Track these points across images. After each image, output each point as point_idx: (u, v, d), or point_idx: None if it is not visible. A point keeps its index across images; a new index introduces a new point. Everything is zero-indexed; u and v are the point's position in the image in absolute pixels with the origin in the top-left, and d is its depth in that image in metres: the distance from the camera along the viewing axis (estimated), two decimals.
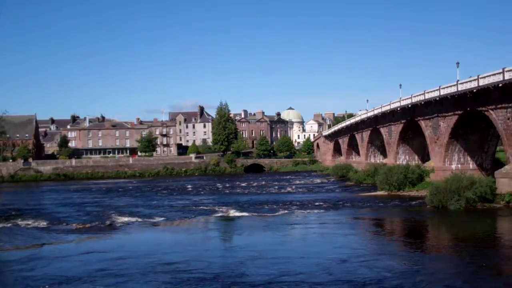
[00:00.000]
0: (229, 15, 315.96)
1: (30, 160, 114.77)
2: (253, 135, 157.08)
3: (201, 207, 46.19)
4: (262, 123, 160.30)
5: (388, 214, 39.80)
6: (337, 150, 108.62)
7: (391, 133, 66.15)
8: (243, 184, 76.64)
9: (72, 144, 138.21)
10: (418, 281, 19.35)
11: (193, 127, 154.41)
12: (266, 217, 39.17)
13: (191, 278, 20.49)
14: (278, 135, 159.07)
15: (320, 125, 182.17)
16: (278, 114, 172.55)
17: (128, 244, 29.18)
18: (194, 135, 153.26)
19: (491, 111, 41.33)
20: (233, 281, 19.92)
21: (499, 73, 39.02)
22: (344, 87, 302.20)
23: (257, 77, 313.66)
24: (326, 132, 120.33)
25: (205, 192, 65.84)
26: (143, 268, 22.49)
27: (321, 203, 46.36)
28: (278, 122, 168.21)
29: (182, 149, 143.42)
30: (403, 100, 60.02)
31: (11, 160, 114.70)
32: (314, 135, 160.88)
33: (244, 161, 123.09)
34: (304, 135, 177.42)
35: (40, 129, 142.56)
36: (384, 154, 72.91)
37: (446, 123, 49.29)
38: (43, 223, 38.15)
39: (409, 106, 57.10)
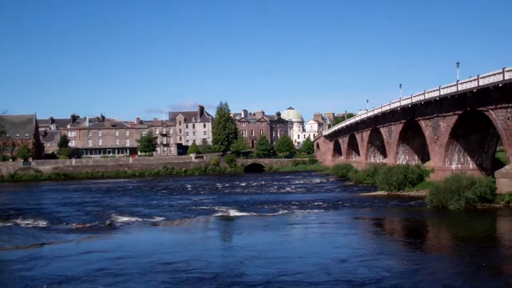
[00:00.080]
0: (229, 15, 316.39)
1: (30, 159, 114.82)
2: (253, 135, 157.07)
3: (201, 207, 46.19)
4: (262, 123, 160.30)
5: (388, 214, 39.80)
6: (337, 150, 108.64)
7: (391, 133, 66.15)
8: (243, 184, 76.64)
9: (72, 144, 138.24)
10: (417, 281, 19.34)
11: (193, 127, 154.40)
12: (266, 217, 39.17)
13: (191, 278, 20.49)
14: (278, 135, 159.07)
15: (320, 125, 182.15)
16: (278, 114, 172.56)
17: (128, 244, 29.18)
18: (194, 135, 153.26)
19: (491, 111, 41.32)
20: (233, 280, 19.91)
21: (499, 73, 39.00)
22: (344, 87, 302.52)
23: (257, 77, 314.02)
24: (326, 132, 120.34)
25: (205, 192, 65.83)
26: (143, 267, 22.48)
27: (321, 203, 46.36)
28: (278, 122, 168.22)
29: (182, 149, 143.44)
30: (403, 100, 60.02)
31: (11, 160, 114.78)
32: (314, 135, 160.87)
33: (244, 161, 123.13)
34: (304, 135, 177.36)
35: (40, 129, 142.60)
36: (384, 154, 72.90)
37: (446, 123, 49.29)
38: (43, 223, 38.15)
39: (409, 106, 57.09)
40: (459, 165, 49.53)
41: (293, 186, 70.14)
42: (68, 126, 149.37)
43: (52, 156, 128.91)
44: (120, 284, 19.97)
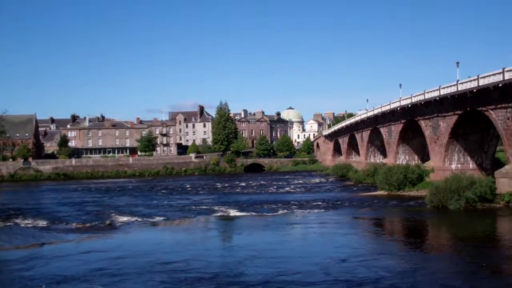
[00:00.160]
0: (229, 15, 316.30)
1: (30, 159, 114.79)
2: (253, 134, 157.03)
3: (201, 207, 46.17)
4: (262, 122, 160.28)
5: (388, 214, 39.79)
6: (337, 150, 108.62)
7: (391, 133, 66.14)
8: (242, 184, 76.63)
9: (72, 144, 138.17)
10: (417, 281, 19.33)
11: (193, 126, 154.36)
12: (266, 217, 39.16)
13: (190, 278, 20.47)
14: (278, 135, 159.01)
15: (320, 125, 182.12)
16: (278, 114, 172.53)
17: (128, 244, 29.16)
18: (194, 134, 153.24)
19: (491, 111, 41.31)
20: (232, 280, 19.90)
21: (499, 73, 38.99)
22: (344, 87, 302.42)
23: (257, 77, 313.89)
24: (326, 131, 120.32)
25: (204, 191, 65.81)
26: (142, 267, 22.47)
27: (321, 203, 46.34)
28: (278, 122, 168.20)
29: (182, 149, 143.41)
30: (403, 100, 60.01)
31: (11, 160, 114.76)
32: (314, 134, 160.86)
33: (244, 161, 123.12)
34: (304, 135, 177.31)
35: (40, 129, 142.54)
36: (384, 154, 72.90)
37: (446, 123, 49.28)
38: (42, 223, 38.13)
39: (409, 106, 57.08)
40: (459, 165, 49.52)
41: (293, 186, 70.12)
42: (68, 126, 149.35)
43: (52, 156, 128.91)
44: (120, 284, 19.96)
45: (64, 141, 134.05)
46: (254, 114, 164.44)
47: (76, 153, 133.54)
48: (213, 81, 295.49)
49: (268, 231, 32.73)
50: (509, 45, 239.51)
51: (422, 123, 55.10)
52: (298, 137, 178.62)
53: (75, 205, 50.96)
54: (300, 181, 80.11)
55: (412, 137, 62.36)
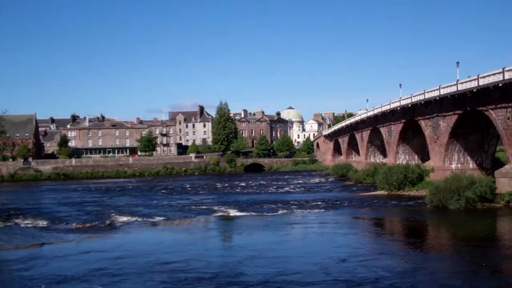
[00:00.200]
0: (229, 15, 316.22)
1: (30, 159, 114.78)
2: (253, 134, 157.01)
3: (201, 207, 46.17)
4: (262, 122, 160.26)
5: (388, 213, 39.79)
6: (337, 150, 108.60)
7: (391, 132, 66.13)
8: (242, 184, 76.62)
9: (72, 144, 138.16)
10: (417, 281, 19.32)
11: (193, 126, 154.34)
12: (266, 217, 39.15)
13: (190, 278, 20.47)
14: (278, 135, 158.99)
15: (320, 124, 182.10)
16: (278, 114, 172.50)
17: (128, 244, 29.16)
18: (194, 134, 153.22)
19: (491, 111, 41.30)
20: (232, 280, 19.89)
21: (499, 73, 38.99)
22: (344, 87, 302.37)
23: (257, 77, 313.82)
24: (326, 131, 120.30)
25: (204, 191, 65.80)
26: (142, 267, 22.47)
27: (321, 203, 46.33)
28: (278, 122, 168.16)
29: (182, 149, 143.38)
30: (403, 99, 60.00)
31: (11, 160, 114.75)
32: (314, 134, 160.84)
33: (244, 161, 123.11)
34: (304, 135, 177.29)
35: (40, 129, 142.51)
36: (384, 153, 72.89)
37: (446, 123, 49.27)
38: (42, 223, 38.13)
39: (409, 105, 57.08)
40: (459, 165, 49.52)
41: (292, 186, 70.12)
42: (68, 126, 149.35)
43: (52, 156, 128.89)
44: (120, 284, 19.96)
45: (64, 141, 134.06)
46: (254, 114, 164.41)
47: (76, 153, 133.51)
48: (213, 81, 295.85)
49: (268, 231, 32.73)
50: (509, 45, 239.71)
51: (422, 123, 55.10)
52: (298, 137, 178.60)
53: (75, 205, 50.96)
54: (300, 181, 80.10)
55: (412, 137, 62.36)
